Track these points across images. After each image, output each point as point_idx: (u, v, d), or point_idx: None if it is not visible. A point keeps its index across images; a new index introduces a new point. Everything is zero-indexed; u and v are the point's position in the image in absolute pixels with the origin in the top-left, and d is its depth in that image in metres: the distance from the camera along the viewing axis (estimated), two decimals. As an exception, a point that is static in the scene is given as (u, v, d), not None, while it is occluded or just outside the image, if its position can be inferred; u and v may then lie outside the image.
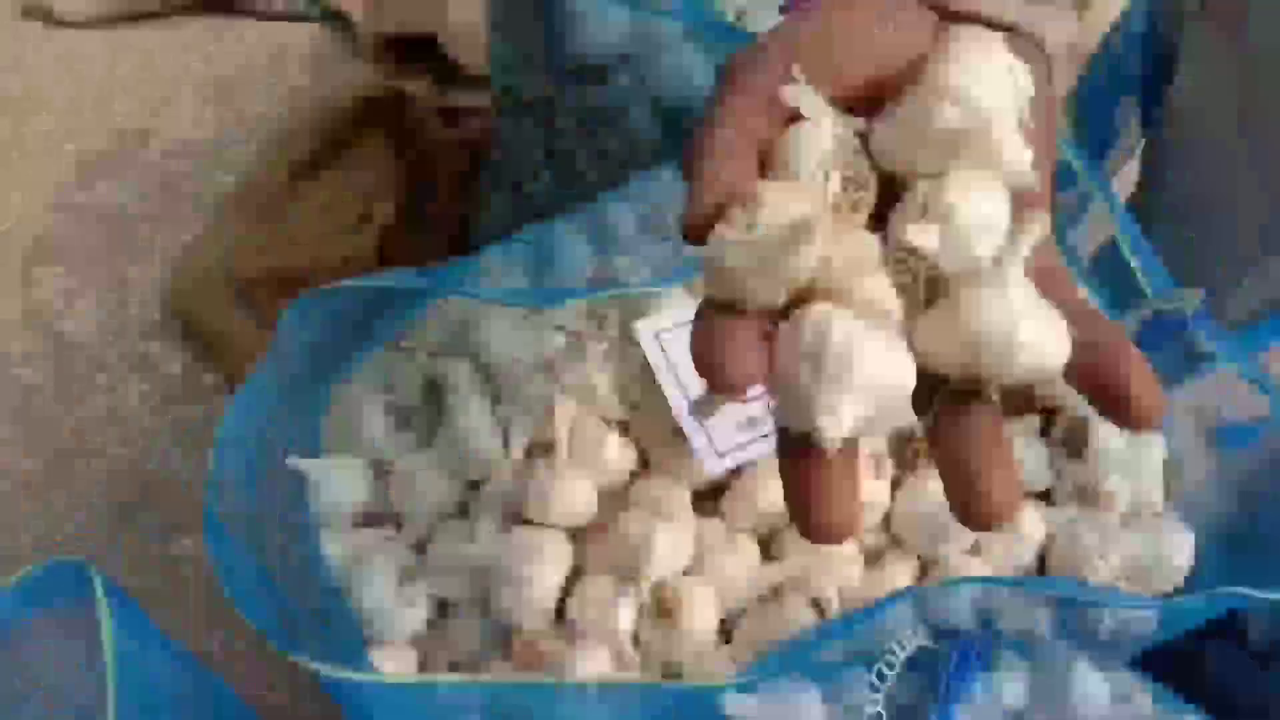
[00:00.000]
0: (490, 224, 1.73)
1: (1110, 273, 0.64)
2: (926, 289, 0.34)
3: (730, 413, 0.64)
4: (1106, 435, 0.65)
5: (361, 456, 0.69)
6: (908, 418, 0.32)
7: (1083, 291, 0.68)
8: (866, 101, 0.38)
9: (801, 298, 0.33)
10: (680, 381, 0.65)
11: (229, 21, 2.14)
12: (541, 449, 0.66)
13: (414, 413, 0.70)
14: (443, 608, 0.67)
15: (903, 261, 0.34)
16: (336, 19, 2.13)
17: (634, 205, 0.77)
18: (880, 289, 0.33)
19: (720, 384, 0.31)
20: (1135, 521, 0.68)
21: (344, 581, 0.66)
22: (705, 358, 0.32)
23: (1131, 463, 0.68)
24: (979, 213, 0.34)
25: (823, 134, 0.36)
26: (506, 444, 0.66)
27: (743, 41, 0.85)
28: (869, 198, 0.36)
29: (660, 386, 0.65)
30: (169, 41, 2.11)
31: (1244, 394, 0.59)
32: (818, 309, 0.32)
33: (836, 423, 0.30)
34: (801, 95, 0.37)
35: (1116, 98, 0.89)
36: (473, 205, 1.77)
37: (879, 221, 0.36)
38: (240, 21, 2.14)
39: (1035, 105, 0.36)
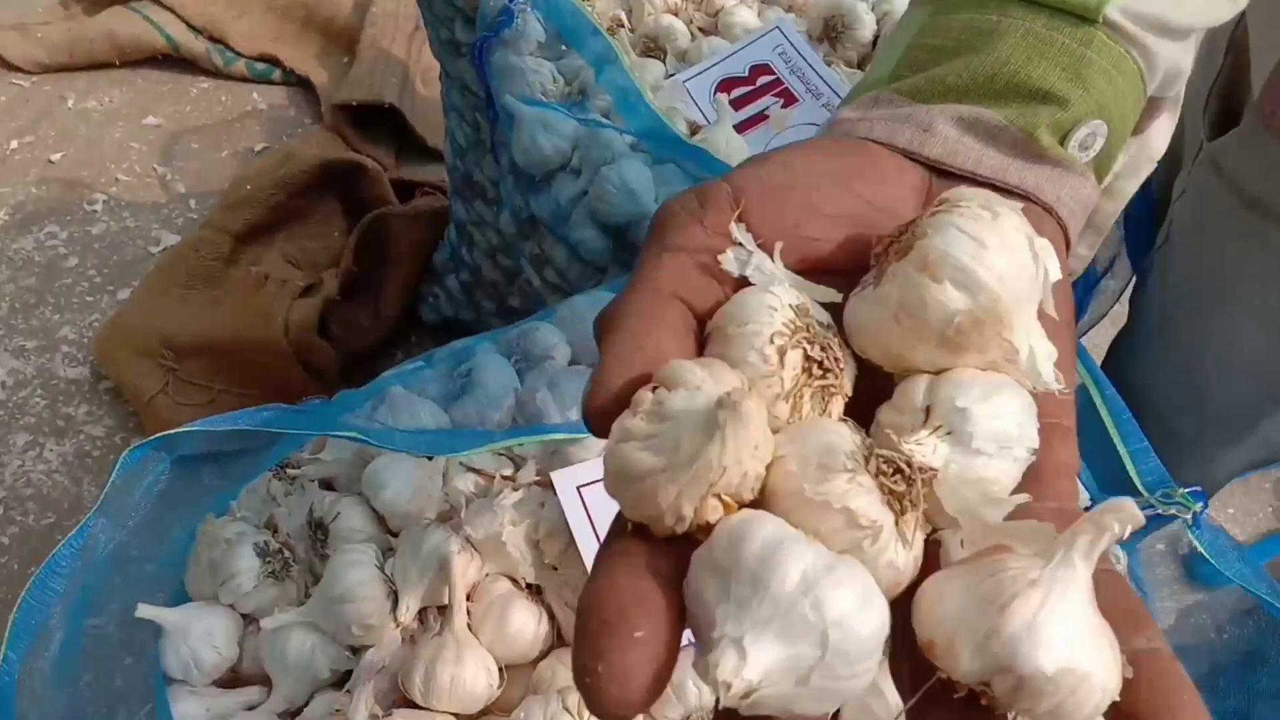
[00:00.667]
0: (442, 303, 1.65)
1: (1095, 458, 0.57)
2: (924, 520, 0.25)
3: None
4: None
5: (228, 606, 0.59)
6: (864, 683, 0.23)
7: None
8: (832, 271, 0.30)
9: (761, 503, 0.24)
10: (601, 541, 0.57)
11: (188, 78, 2.07)
12: (436, 613, 0.57)
13: (294, 558, 0.60)
14: (310, 792, 0.57)
15: (898, 480, 0.25)
16: (299, 84, 2.07)
17: (567, 330, 0.69)
18: (865, 499, 0.24)
19: (602, 707, 0.22)
20: None
21: (195, 754, 0.56)
22: (582, 657, 0.22)
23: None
24: (1001, 428, 0.26)
25: (775, 301, 0.27)
26: (395, 606, 0.56)
27: (694, 159, 0.79)
28: (842, 385, 0.28)
29: (579, 547, 0.57)
30: (123, 94, 2.03)
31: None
32: (741, 513, 0.23)
33: (735, 665, 0.21)
34: (748, 257, 0.29)
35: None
36: (427, 281, 1.70)
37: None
38: (200, 79, 2.07)
39: (1056, 291, 0.28)
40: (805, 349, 0.27)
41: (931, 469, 0.25)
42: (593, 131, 0.79)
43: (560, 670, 0.56)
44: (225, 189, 1.81)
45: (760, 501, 0.24)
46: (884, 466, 0.25)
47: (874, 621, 0.22)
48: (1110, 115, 0.34)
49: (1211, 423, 0.79)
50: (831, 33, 0.92)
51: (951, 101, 0.33)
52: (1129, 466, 0.53)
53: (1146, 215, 0.79)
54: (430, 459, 0.60)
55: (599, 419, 0.26)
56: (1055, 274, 0.28)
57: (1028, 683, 0.22)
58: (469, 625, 0.56)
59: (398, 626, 0.57)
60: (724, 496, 0.24)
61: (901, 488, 0.24)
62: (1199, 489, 0.53)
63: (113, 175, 1.89)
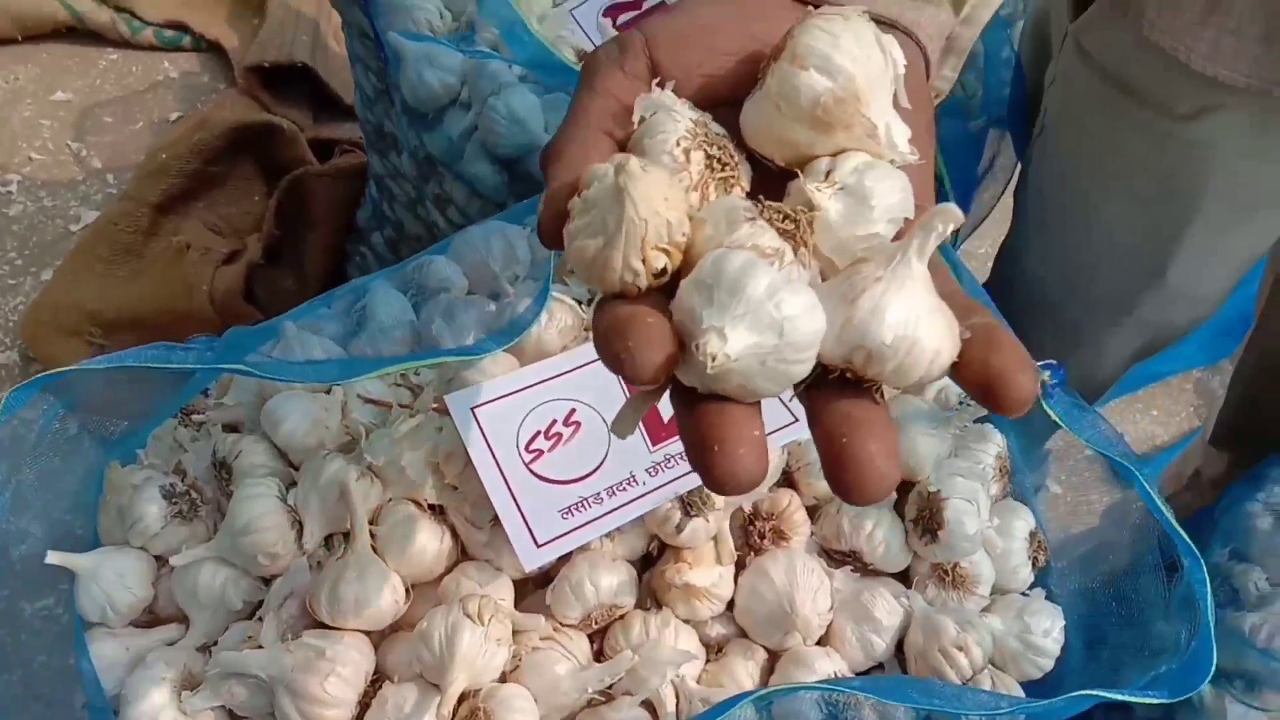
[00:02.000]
0: (369, 260, 1.65)
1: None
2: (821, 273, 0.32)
3: (549, 499, 0.58)
4: (962, 509, 0.60)
5: (139, 547, 0.60)
6: (805, 370, 0.30)
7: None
8: (732, 101, 0.36)
9: (694, 261, 0.30)
10: (498, 460, 0.58)
11: (96, 50, 2.03)
12: (342, 539, 0.59)
13: (201, 499, 0.61)
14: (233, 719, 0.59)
15: (790, 225, 0.31)
16: (210, 49, 2.03)
17: (462, 262, 0.70)
18: (769, 237, 0.31)
19: (633, 371, 0.28)
20: (1000, 603, 0.63)
21: (116, 689, 0.57)
22: (610, 350, 0.29)
23: (994, 538, 0.63)
24: (881, 188, 0.32)
25: (677, 116, 0.34)
26: (300, 535, 0.58)
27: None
28: (741, 175, 0.35)
29: (475, 466, 0.58)
30: (29, 71, 1.99)
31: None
32: (716, 250, 0.30)
33: (721, 343, 0.28)
34: (655, 96, 0.35)
35: (984, 133, 0.86)
36: (352, 240, 1.69)
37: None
38: (107, 50, 2.03)
39: (913, 91, 0.35)
40: (705, 150, 0.34)
41: (809, 211, 0.32)
42: (479, 63, 0.80)
43: (464, 581, 0.58)
44: (141, 160, 1.79)
45: (689, 256, 0.31)
46: (775, 215, 0.31)
47: (816, 321, 0.29)
48: None
49: (1095, 306, 0.82)
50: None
51: None
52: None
53: (1024, 108, 0.81)
54: (328, 392, 0.62)
55: (548, 233, 0.33)
56: (900, 64, 0.34)
57: (874, 353, 0.29)
58: (374, 549, 0.58)
59: (304, 554, 0.58)
60: (660, 246, 0.30)
61: (791, 227, 0.31)
62: (1055, 363, 0.56)
63: (25, 155, 1.85)
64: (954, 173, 0.78)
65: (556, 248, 0.33)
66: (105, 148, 1.87)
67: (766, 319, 0.28)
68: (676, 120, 0.34)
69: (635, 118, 0.35)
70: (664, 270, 0.31)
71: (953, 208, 0.30)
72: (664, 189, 0.30)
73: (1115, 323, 0.82)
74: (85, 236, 1.67)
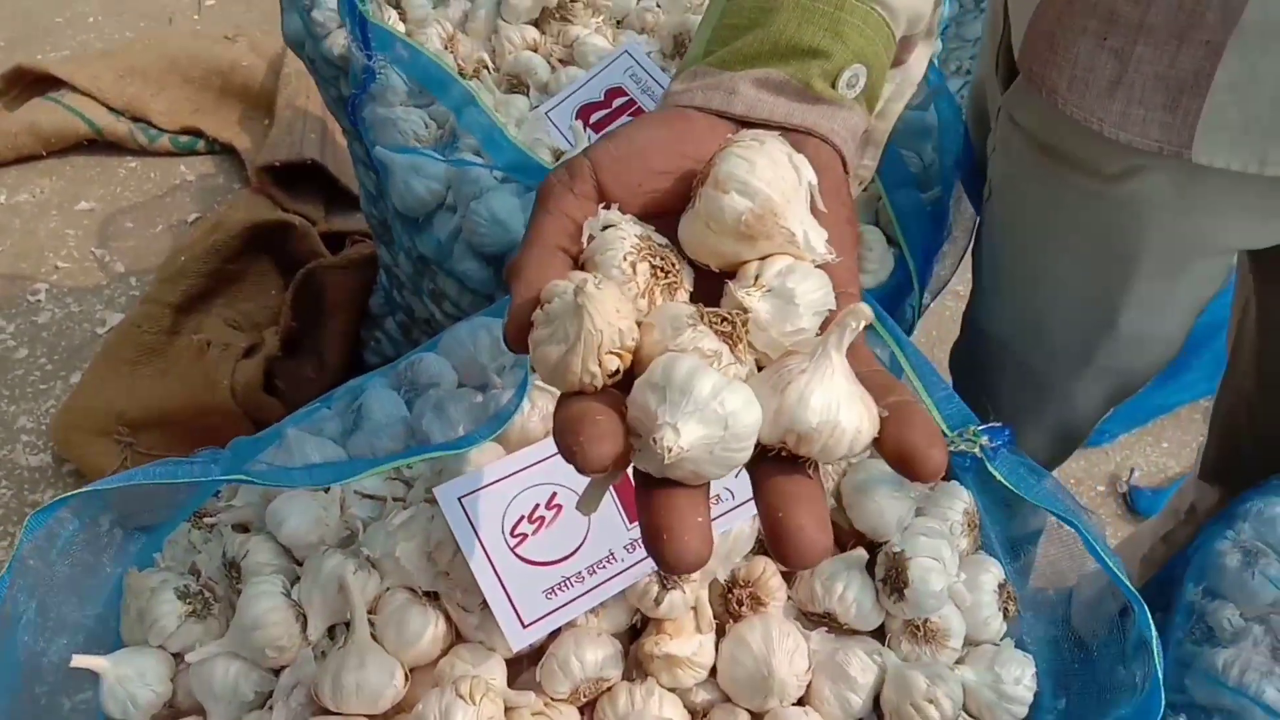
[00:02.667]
0: (384, 345, 1.71)
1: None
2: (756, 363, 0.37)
3: (534, 580, 0.61)
4: (926, 567, 0.63)
5: (158, 646, 0.65)
6: (746, 456, 0.35)
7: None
8: (670, 213, 0.41)
9: (644, 362, 0.35)
10: (484, 546, 0.63)
11: (116, 159, 2.12)
12: (344, 629, 0.63)
13: (214, 597, 0.66)
14: (251, 806, 0.62)
15: (727, 327, 0.36)
16: (223, 151, 2.12)
17: (449, 357, 0.75)
18: (709, 340, 0.36)
19: (585, 463, 0.33)
20: (973, 654, 0.65)
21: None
22: (565, 445, 0.33)
23: (963, 592, 0.66)
24: (803, 288, 0.37)
25: (626, 233, 0.39)
26: (305, 628, 0.62)
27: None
28: (681, 282, 0.39)
29: (464, 553, 0.62)
30: (54, 183, 2.08)
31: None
32: (666, 355, 0.35)
33: (675, 436, 0.33)
34: (602, 216, 0.40)
35: (948, 196, 0.90)
36: (367, 326, 1.75)
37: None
38: (127, 159, 2.12)
39: (830, 190, 0.40)
40: (650, 261, 0.39)
41: (744, 311, 0.37)
42: (462, 170, 0.86)
43: (458, 663, 0.62)
44: (162, 263, 1.86)
45: (639, 356, 0.36)
46: (713, 319, 0.36)
47: (754, 414, 0.34)
48: (867, 59, 0.45)
49: (1055, 357, 0.86)
50: (681, 48, 0.98)
51: (749, 67, 0.44)
52: (934, 412, 0.59)
53: (974, 174, 0.86)
54: (326, 491, 0.66)
55: (514, 341, 0.38)
56: (811, 177, 0.39)
57: (802, 435, 0.34)
58: (373, 635, 0.62)
59: (309, 645, 0.62)
60: (614, 350, 0.35)
61: (728, 329, 0.36)
62: (998, 425, 0.59)
63: (52, 263, 1.94)
64: (913, 241, 0.82)
65: (521, 352, 0.38)
66: (127, 252, 1.96)
67: (712, 415, 0.33)
68: (623, 237, 0.39)
69: (585, 236, 0.40)
70: (617, 370, 0.36)
71: (863, 307, 0.35)
72: (616, 301, 0.36)
73: (1077, 372, 0.86)
74: (111, 340, 1.74)
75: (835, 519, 0.69)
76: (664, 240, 0.40)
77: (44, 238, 1.99)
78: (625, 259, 0.38)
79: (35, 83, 2.17)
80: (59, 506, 0.56)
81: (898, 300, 0.86)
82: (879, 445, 0.35)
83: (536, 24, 1.04)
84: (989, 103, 0.80)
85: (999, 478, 0.59)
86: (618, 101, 0.92)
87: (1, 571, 0.53)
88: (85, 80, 2.12)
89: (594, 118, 0.92)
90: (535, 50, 1.01)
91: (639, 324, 0.37)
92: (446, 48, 0.99)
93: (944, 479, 0.71)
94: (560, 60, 1.01)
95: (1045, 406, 0.90)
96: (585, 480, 0.65)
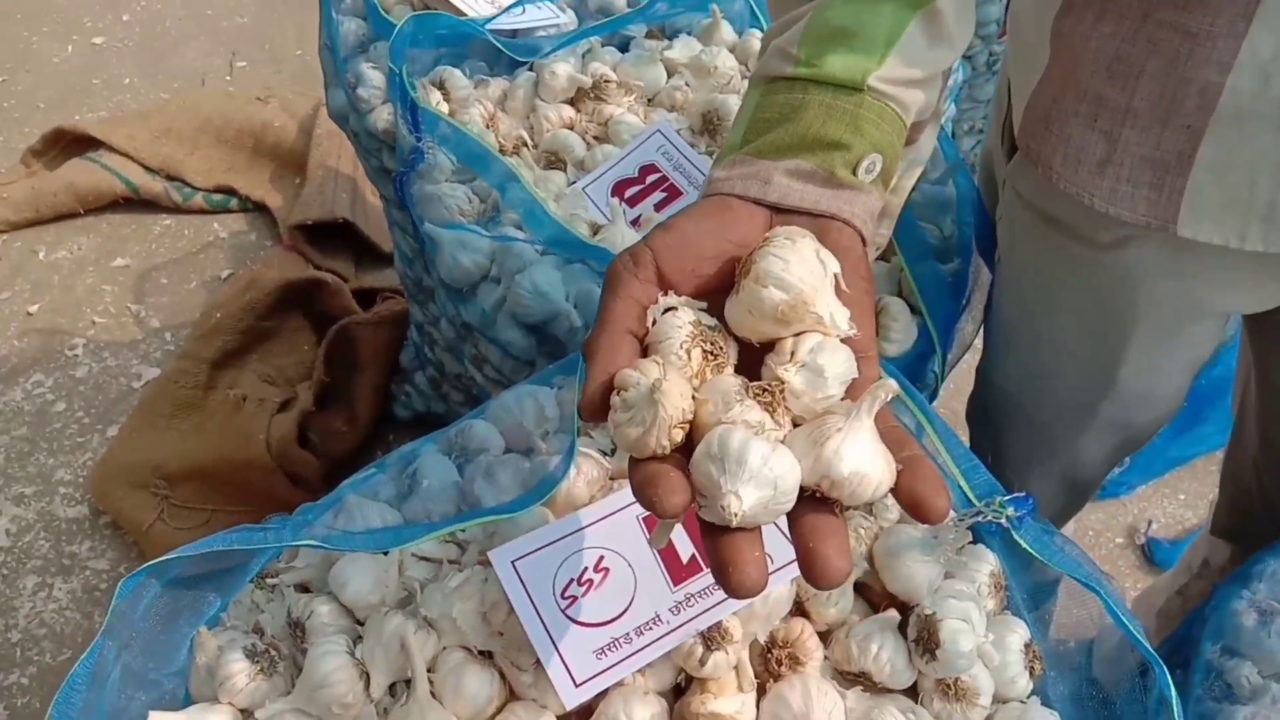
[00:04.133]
0: (414, 399, 1.75)
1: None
2: (792, 421, 0.44)
3: (584, 640, 0.65)
4: (956, 629, 0.66)
5: (227, 703, 0.68)
6: (791, 504, 0.42)
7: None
8: (720, 289, 0.48)
9: (701, 431, 0.42)
10: (537, 607, 0.66)
11: (151, 217, 2.19)
12: (404, 686, 0.66)
13: (280, 655, 0.69)
14: None
15: (768, 395, 0.43)
16: (256, 209, 2.18)
17: (496, 424, 0.79)
18: (753, 413, 0.43)
19: (663, 512, 0.41)
20: (1001, 711, 0.69)
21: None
22: (645, 498, 0.41)
23: (991, 651, 0.69)
24: (831, 362, 0.44)
25: (681, 321, 0.46)
26: (368, 685, 0.66)
27: (596, 257, 0.90)
28: (728, 359, 0.46)
29: (518, 614, 0.66)
30: (91, 240, 2.15)
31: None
32: (719, 428, 0.42)
33: (739, 502, 0.40)
34: (663, 302, 0.47)
35: (969, 258, 0.94)
36: (398, 380, 1.80)
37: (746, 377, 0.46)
38: (162, 217, 2.19)
39: (851, 270, 0.47)
40: (702, 347, 0.45)
41: (782, 383, 0.44)
42: (506, 245, 0.90)
43: (512, 719, 0.65)
44: (197, 319, 1.92)
45: (695, 425, 0.43)
46: (757, 391, 0.44)
47: (796, 474, 0.41)
48: (882, 148, 0.52)
49: (1061, 413, 0.90)
50: (710, 126, 1.03)
51: (782, 157, 0.51)
52: (961, 483, 0.63)
53: (988, 240, 0.90)
54: (385, 554, 0.70)
55: (588, 415, 0.44)
56: (835, 268, 0.46)
57: (835, 482, 0.41)
58: (432, 693, 0.65)
59: (372, 702, 0.66)
60: (678, 425, 0.42)
61: (768, 400, 0.43)
62: (1022, 496, 0.63)
63: (89, 319, 2.00)
64: (934, 311, 0.87)
65: (595, 422, 0.45)
66: (163, 308, 2.01)
67: (764, 479, 0.41)
68: (679, 326, 0.46)
69: (650, 320, 0.47)
70: (681, 439, 0.43)
71: (891, 383, 0.42)
72: (679, 389, 0.43)
73: (1082, 427, 0.90)
74: (147, 395, 1.79)
75: (869, 581, 0.73)
76: (713, 321, 0.47)
77: (81, 294, 2.05)
78: (682, 346, 0.45)
79: (74, 143, 2.25)
80: (146, 573, 0.60)
81: (922, 366, 0.90)
82: (894, 492, 0.42)
83: (572, 102, 1.09)
84: (996, 172, 0.85)
85: (1025, 546, 0.62)
86: (651, 178, 0.97)
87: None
88: (121, 140, 2.20)
89: (629, 193, 0.97)
90: (572, 128, 1.06)
91: (694, 398, 0.43)
92: (488, 126, 1.05)
93: (971, 543, 0.75)
94: (595, 138, 1.06)
95: (1054, 458, 0.95)
96: (632, 544, 0.70)
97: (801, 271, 0.45)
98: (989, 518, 0.63)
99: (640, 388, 0.43)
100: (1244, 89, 0.60)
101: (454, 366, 1.53)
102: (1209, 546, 1.15)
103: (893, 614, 0.70)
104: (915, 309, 0.90)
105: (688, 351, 0.45)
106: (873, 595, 0.72)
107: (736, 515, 0.40)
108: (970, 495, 0.64)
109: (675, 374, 0.43)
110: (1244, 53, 0.59)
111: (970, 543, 0.74)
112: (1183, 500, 1.83)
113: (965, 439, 1.11)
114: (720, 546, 0.41)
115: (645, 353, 0.46)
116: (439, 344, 1.53)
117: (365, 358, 1.76)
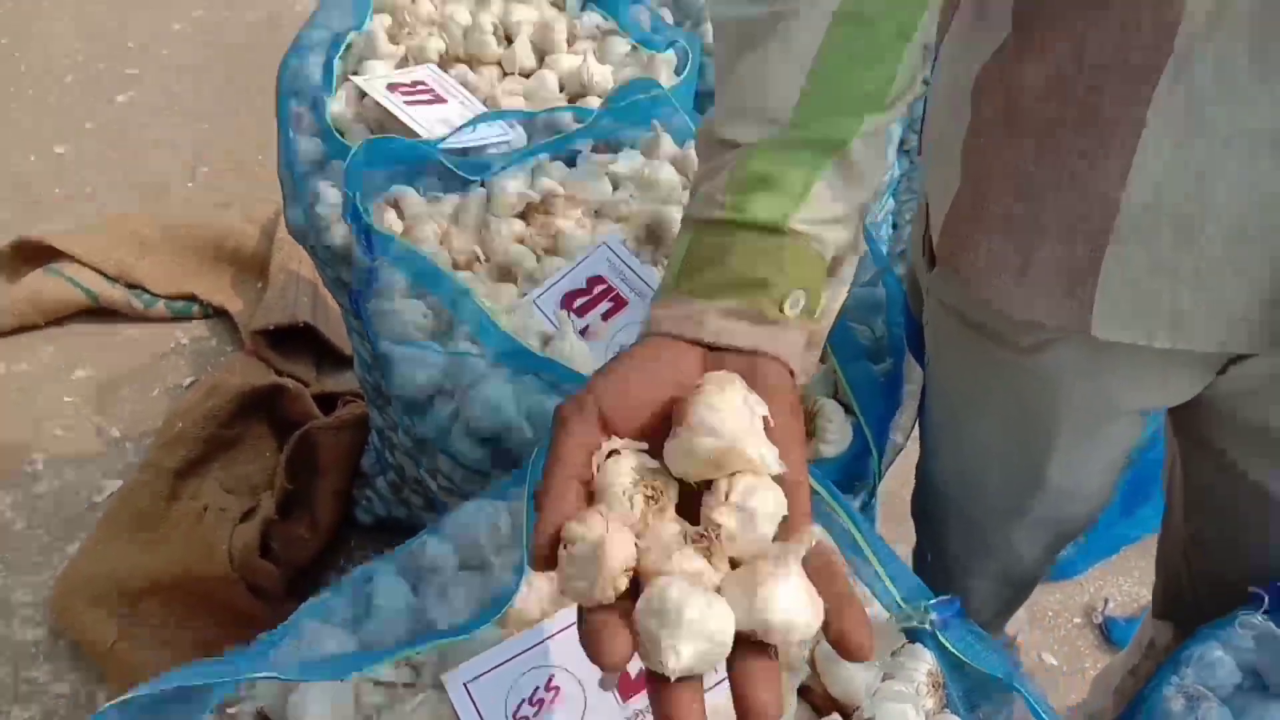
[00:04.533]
0: (375, 504, 1.76)
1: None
2: (729, 560, 0.47)
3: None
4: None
5: (186, 839, 0.69)
6: (727, 653, 0.44)
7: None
8: (659, 429, 0.51)
9: (644, 577, 0.45)
10: (491, 729, 0.68)
11: (112, 326, 2.20)
12: (362, 814, 0.67)
13: (237, 786, 0.70)
14: None
15: (704, 540, 0.47)
16: (217, 314, 2.20)
17: (453, 540, 0.81)
18: (692, 561, 0.46)
19: (606, 666, 0.43)
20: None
21: None
22: (590, 651, 0.44)
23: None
24: (762, 503, 0.47)
25: (624, 467, 0.49)
26: (325, 815, 0.67)
27: (546, 369, 0.93)
28: (669, 500, 0.50)
29: (472, 736, 0.68)
30: (53, 352, 2.15)
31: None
32: (658, 581, 0.44)
33: (677, 658, 0.42)
34: (606, 446, 0.50)
35: (901, 361, 0.98)
36: (359, 485, 1.81)
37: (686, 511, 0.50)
38: (123, 325, 2.20)
39: (778, 406, 0.51)
40: (644, 492, 0.49)
41: (718, 525, 0.47)
42: (459, 360, 0.93)
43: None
44: (159, 428, 1.92)
45: (639, 568, 0.46)
46: (694, 537, 0.47)
47: (730, 626, 0.44)
48: (806, 283, 0.56)
49: (991, 511, 0.94)
50: (653, 236, 1.08)
51: (713, 298, 0.54)
52: (890, 586, 0.66)
53: (917, 342, 0.95)
54: (341, 680, 0.71)
55: (539, 565, 0.47)
56: (763, 411, 0.49)
57: (769, 629, 0.44)
58: (390, 818, 0.66)
59: (331, 830, 0.67)
60: (623, 574, 0.45)
61: (705, 545, 0.47)
62: (948, 599, 0.66)
63: (50, 433, 1.99)
64: (868, 411, 0.90)
65: (545, 572, 0.48)
66: (125, 418, 2.02)
67: (702, 633, 0.43)
68: (622, 474, 0.49)
69: (594, 465, 0.50)
70: (626, 586, 0.46)
71: (813, 531, 0.47)
72: (622, 541, 0.46)
73: (1014, 524, 0.93)
74: (110, 508, 1.78)
75: (812, 685, 0.75)
76: (654, 464, 0.50)
77: (43, 406, 2.04)
78: (624, 493, 0.49)
79: (35, 254, 2.26)
80: (110, 712, 0.61)
81: (860, 465, 0.93)
82: (823, 630, 0.45)
83: (523, 216, 1.13)
84: (920, 280, 0.89)
85: (949, 648, 0.65)
86: (598, 288, 1.01)
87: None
88: (82, 250, 2.21)
89: (577, 303, 1.01)
90: (522, 242, 1.10)
91: (636, 544, 0.47)
92: (441, 242, 1.09)
93: (910, 642, 0.77)
94: (545, 250, 1.10)
95: (990, 555, 0.98)
96: (582, 662, 0.72)
97: (731, 421, 0.48)
98: (916, 622, 0.65)
99: (585, 542, 0.46)
100: (1138, 201, 0.65)
101: (413, 471, 1.54)
102: (1154, 627, 1.18)
103: (835, 718, 0.72)
104: (849, 409, 0.93)
105: (630, 499, 0.48)
106: (815, 698, 0.74)
107: (675, 670, 0.43)
108: (898, 599, 0.67)
109: (617, 526, 0.46)
110: (1133, 170, 0.64)
111: (909, 642, 0.77)
112: (1136, 577, 1.86)
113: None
114: (662, 700, 0.44)
115: (591, 497, 0.49)
116: (399, 449, 1.55)
117: (326, 462, 1.77)
